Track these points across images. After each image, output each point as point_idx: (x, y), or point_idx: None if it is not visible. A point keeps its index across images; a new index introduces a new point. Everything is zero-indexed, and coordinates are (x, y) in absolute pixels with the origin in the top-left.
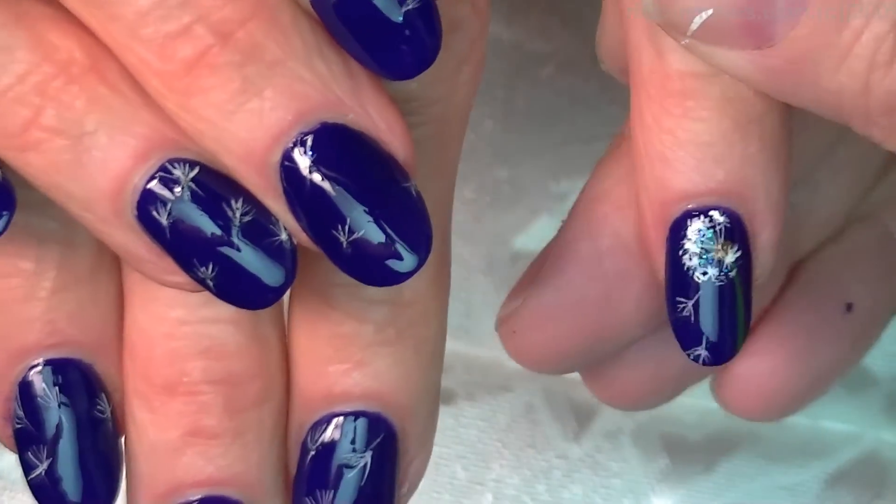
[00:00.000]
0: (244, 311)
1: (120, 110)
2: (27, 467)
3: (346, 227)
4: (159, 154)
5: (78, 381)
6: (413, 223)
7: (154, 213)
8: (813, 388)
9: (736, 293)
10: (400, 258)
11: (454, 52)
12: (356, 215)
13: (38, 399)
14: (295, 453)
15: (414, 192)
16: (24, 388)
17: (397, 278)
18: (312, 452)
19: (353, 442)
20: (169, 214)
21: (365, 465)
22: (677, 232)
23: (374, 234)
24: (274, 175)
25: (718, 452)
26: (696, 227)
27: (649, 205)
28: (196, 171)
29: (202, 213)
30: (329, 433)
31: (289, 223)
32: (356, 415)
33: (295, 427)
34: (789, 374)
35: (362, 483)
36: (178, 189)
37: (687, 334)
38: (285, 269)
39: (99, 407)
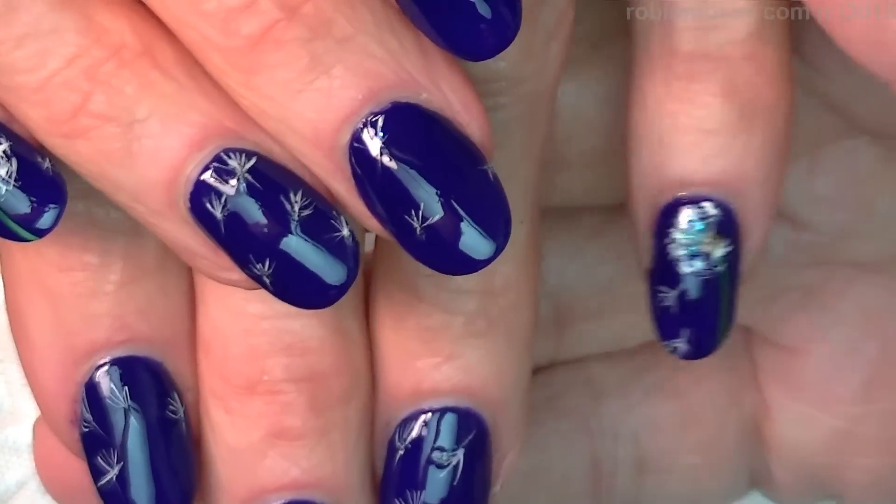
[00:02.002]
0: None
1: (173, 96)
2: (96, 473)
3: (420, 213)
4: (215, 143)
5: (148, 380)
6: (490, 207)
7: (208, 206)
8: None
9: (721, 289)
10: (477, 244)
11: (542, 26)
12: (430, 200)
13: (106, 400)
14: (382, 453)
15: (491, 175)
16: (91, 389)
17: (474, 266)
18: (401, 452)
19: (443, 439)
20: (224, 207)
21: (457, 464)
22: (667, 219)
23: (449, 219)
24: (342, 158)
25: None
26: (686, 216)
27: (641, 188)
28: (253, 161)
29: (259, 206)
30: (418, 431)
31: (357, 209)
32: (446, 411)
33: (381, 425)
34: None
35: (454, 482)
36: (233, 181)
37: (667, 325)
38: (347, 266)
39: (171, 407)
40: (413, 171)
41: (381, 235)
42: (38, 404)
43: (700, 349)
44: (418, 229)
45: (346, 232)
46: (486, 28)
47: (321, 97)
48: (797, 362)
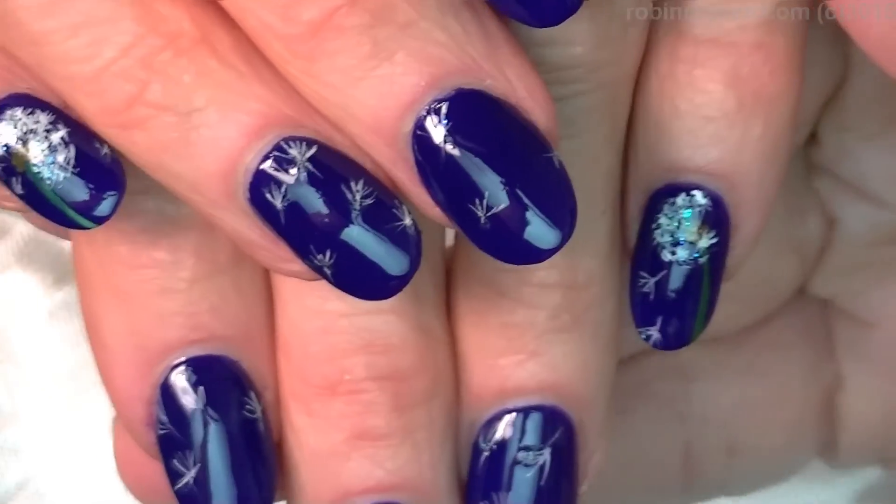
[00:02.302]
0: (406, 300)
1: (232, 85)
2: (173, 476)
3: (484, 201)
4: (274, 132)
5: (224, 379)
6: (556, 196)
7: (268, 196)
8: None
9: (702, 281)
10: (542, 234)
11: (619, 13)
12: (494, 188)
13: (182, 401)
14: (466, 454)
15: (557, 163)
16: (166, 389)
17: (539, 255)
18: (486, 452)
19: (529, 439)
20: (284, 197)
21: (543, 464)
22: (656, 203)
23: (514, 208)
24: (405, 146)
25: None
26: (675, 203)
27: (634, 171)
28: (313, 150)
29: (320, 195)
30: (503, 430)
31: (420, 198)
32: (532, 409)
33: (465, 425)
34: None
35: (541, 482)
36: (293, 170)
37: (643, 311)
38: (410, 256)
39: (248, 407)
40: (477, 159)
41: (444, 225)
42: (114, 407)
43: (672, 340)
44: (482, 218)
45: (408, 221)
46: None
47: (383, 84)
48: (873, 335)
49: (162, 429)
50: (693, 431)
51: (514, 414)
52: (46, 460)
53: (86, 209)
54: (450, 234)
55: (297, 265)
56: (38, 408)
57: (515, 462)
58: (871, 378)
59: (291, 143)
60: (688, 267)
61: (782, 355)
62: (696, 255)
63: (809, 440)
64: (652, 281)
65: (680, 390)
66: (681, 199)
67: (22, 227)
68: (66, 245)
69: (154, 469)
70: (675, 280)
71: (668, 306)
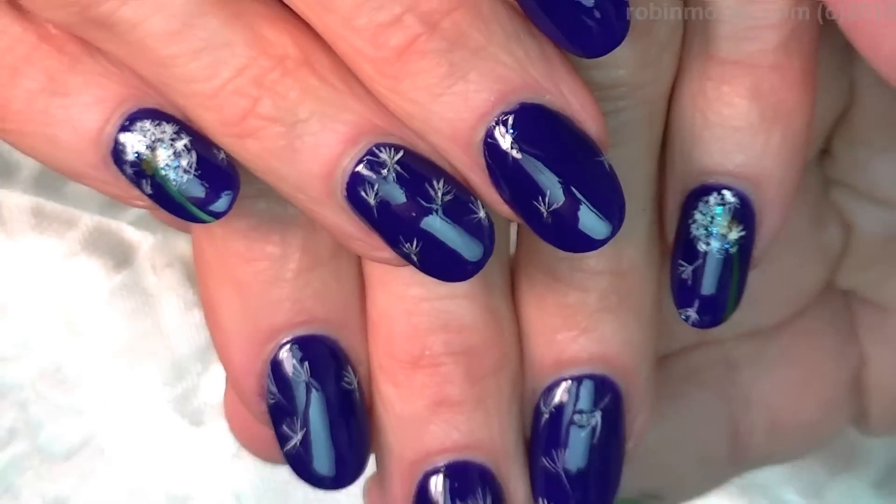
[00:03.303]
0: (477, 286)
1: (330, 100)
2: (282, 439)
3: (546, 199)
4: (367, 139)
5: (325, 356)
6: (607, 193)
7: (362, 194)
8: None
9: (732, 268)
10: (595, 226)
11: (656, 40)
12: (554, 187)
13: (289, 375)
14: (529, 418)
15: (607, 166)
16: (276, 365)
17: (592, 244)
18: (546, 416)
19: (582, 403)
20: (376, 195)
21: (595, 425)
22: (692, 202)
23: (570, 204)
24: (478, 152)
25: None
26: (708, 201)
27: (672, 174)
28: (400, 154)
29: (407, 193)
30: (560, 396)
31: (491, 197)
32: (584, 378)
33: (528, 393)
34: None
35: (594, 441)
36: (384, 171)
37: (682, 295)
38: (483, 244)
39: (346, 379)
40: (539, 163)
41: (511, 219)
42: (230, 380)
43: (708, 320)
44: (545, 213)
45: (482, 214)
46: (598, 30)
47: (459, 100)
48: (890, 319)
49: (271, 398)
50: (738, 412)
51: (569, 382)
52: (106, 420)
53: (205, 205)
54: (513, 227)
55: (388, 253)
56: (99, 374)
57: (571, 423)
58: (891, 355)
59: (381, 149)
60: (720, 256)
61: (814, 342)
62: (727, 246)
63: (842, 413)
64: (689, 269)
65: (726, 377)
66: (713, 198)
67: (87, 219)
68: (125, 234)
69: (263, 431)
70: (710, 267)
71: (704, 290)
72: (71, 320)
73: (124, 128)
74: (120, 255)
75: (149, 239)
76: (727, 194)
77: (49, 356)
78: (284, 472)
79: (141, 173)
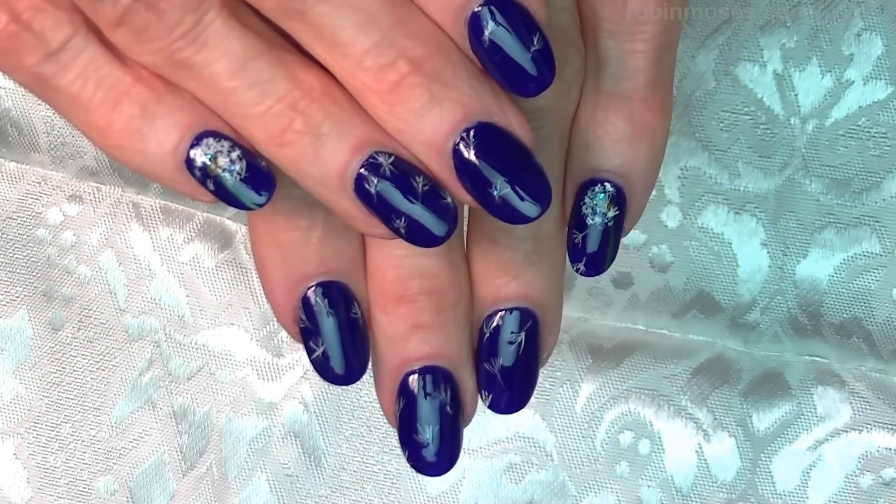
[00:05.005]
0: (443, 247)
1: (344, 120)
2: (309, 351)
3: (496, 189)
4: (369, 148)
5: (339, 295)
6: (538, 185)
7: (366, 187)
8: None
9: (609, 236)
10: (530, 208)
11: (566, 79)
12: (501, 181)
13: (315, 307)
14: (475, 337)
15: (538, 165)
16: (306, 301)
17: (528, 220)
18: (487, 335)
19: (512, 327)
20: (375, 188)
21: (520, 341)
22: (583, 190)
23: (512, 192)
24: (448, 156)
25: (623, 354)
26: (594, 190)
27: (571, 172)
28: (392, 159)
29: (397, 186)
30: (497, 322)
31: (456, 188)
32: (513, 310)
33: (475, 321)
34: None
35: (520, 353)
36: (381, 171)
37: (575, 254)
38: (449, 222)
39: (353, 311)
40: (491, 164)
41: (470, 204)
42: (274, 311)
43: (593, 271)
44: (496, 198)
45: (449, 200)
46: (532, 78)
47: (436, 119)
48: None
49: (302, 323)
50: None
51: (503, 312)
52: (215, 353)
53: (252, 198)
54: (466, 209)
55: (382, 230)
56: (210, 322)
57: (504, 340)
58: None
59: (379, 155)
60: (601, 228)
61: None
62: (606, 221)
63: None
64: (581, 236)
65: None
66: (598, 188)
67: (199, 215)
68: (226, 225)
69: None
70: (594, 235)
71: (589, 250)
72: (190, 285)
73: (194, 144)
74: (223, 240)
75: (242, 229)
76: (607, 185)
77: (175, 309)
78: (337, 388)
79: (206, 175)
